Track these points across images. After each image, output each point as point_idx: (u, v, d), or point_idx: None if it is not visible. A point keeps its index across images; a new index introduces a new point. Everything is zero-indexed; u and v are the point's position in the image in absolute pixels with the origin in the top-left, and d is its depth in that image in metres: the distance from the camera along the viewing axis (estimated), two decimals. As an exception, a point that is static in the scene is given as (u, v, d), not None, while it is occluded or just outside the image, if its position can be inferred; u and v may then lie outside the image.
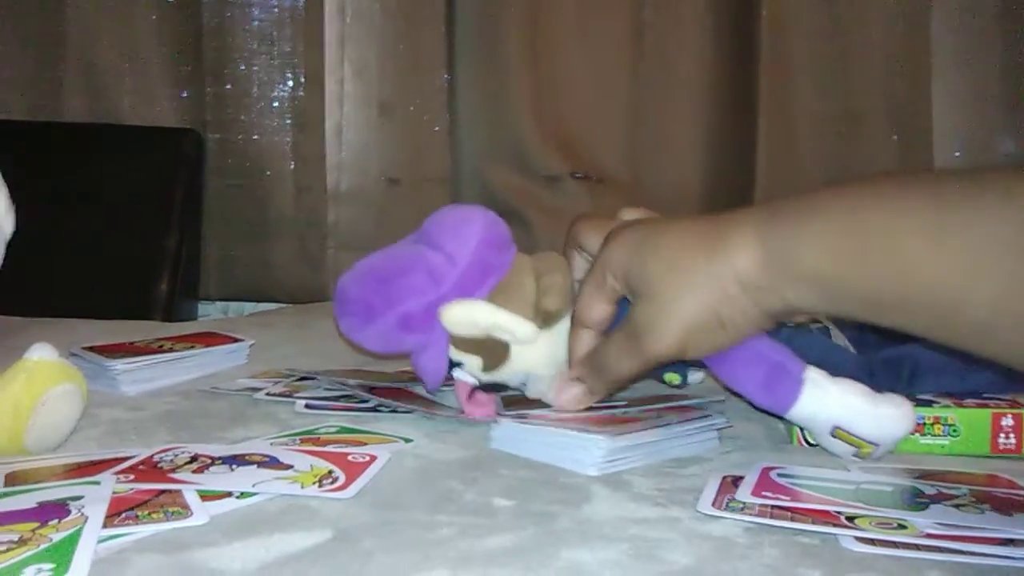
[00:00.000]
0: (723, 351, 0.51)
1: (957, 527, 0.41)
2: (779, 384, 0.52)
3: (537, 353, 0.57)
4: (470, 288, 0.57)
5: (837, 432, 0.52)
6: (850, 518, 0.42)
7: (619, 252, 0.52)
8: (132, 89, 1.45)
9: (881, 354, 0.61)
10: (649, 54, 1.48)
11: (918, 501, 0.44)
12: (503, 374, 0.58)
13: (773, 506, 0.43)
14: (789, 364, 0.52)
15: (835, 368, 0.53)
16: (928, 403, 0.55)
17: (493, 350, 0.57)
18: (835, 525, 0.41)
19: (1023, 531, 0.41)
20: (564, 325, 0.57)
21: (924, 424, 0.55)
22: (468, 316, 0.56)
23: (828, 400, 0.51)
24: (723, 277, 0.48)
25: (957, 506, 0.44)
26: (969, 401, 0.56)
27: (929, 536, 0.40)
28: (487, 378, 0.58)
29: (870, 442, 0.51)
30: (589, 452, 0.50)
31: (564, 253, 0.61)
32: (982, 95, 1.47)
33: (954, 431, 0.55)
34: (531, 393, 0.59)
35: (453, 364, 0.58)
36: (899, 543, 0.40)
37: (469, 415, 0.58)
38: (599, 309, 0.54)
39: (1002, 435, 0.54)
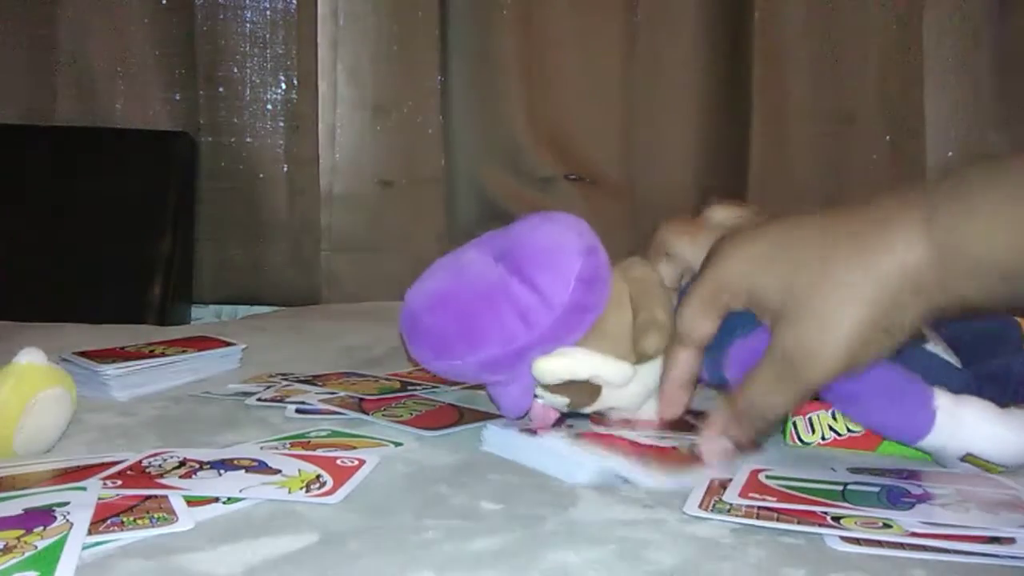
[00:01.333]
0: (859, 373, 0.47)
1: (942, 525, 0.41)
2: (910, 416, 0.49)
3: (628, 392, 0.54)
4: (565, 333, 0.51)
5: (968, 458, 0.49)
6: (836, 518, 0.42)
7: (739, 266, 0.47)
8: (125, 92, 1.45)
9: (983, 368, 0.57)
10: (642, 56, 1.48)
11: (904, 501, 0.44)
12: (596, 406, 0.54)
13: (759, 507, 0.43)
14: (920, 393, 0.49)
15: (944, 384, 0.50)
16: None
17: (584, 391, 0.53)
18: (821, 525, 0.41)
19: (1008, 528, 0.41)
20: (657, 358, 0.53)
21: None
22: (566, 370, 0.51)
23: (961, 431, 0.48)
24: (890, 282, 0.43)
25: (943, 505, 0.44)
26: None
27: (914, 535, 0.40)
28: (570, 410, 0.54)
29: (1001, 464, 0.49)
30: (581, 469, 0.49)
31: (648, 257, 0.57)
32: (975, 95, 1.47)
33: None
34: (613, 416, 0.56)
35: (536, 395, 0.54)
36: (884, 542, 0.40)
37: (541, 431, 0.54)
38: (705, 327, 0.49)
39: None
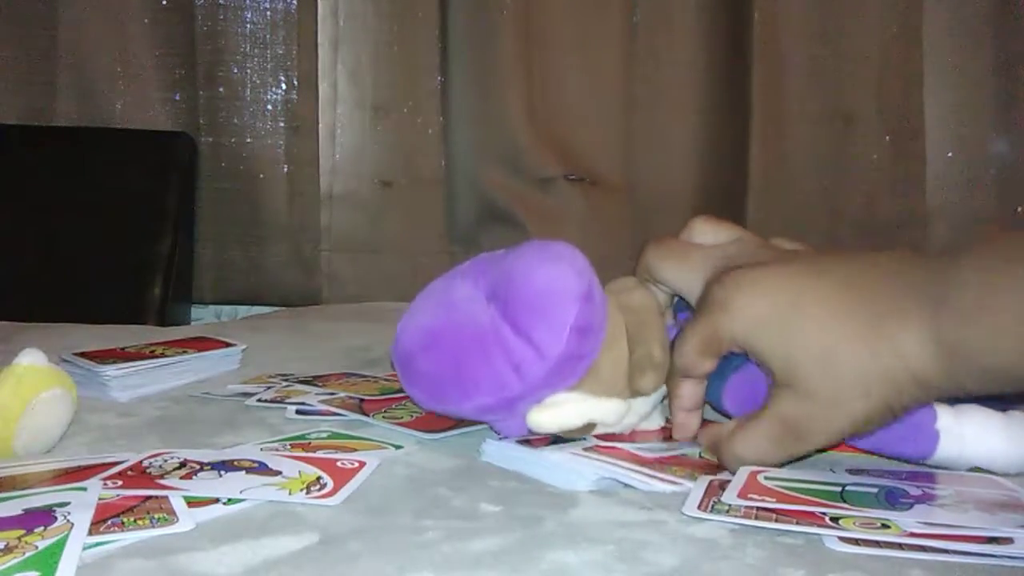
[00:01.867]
0: None
1: (941, 526, 0.41)
2: (912, 441, 0.49)
3: (622, 424, 0.54)
4: (559, 380, 0.51)
5: (975, 469, 0.50)
6: (834, 519, 0.42)
7: (740, 323, 0.47)
8: (125, 92, 1.45)
9: None
10: (642, 56, 1.48)
11: (902, 501, 0.45)
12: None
13: (758, 508, 0.43)
14: (921, 416, 0.49)
15: None
16: None
17: (578, 431, 0.53)
18: (819, 526, 0.42)
19: (1006, 529, 0.41)
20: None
21: None
22: (557, 423, 0.51)
23: (965, 449, 0.49)
24: (896, 377, 0.43)
25: (941, 506, 0.44)
26: None
27: (913, 535, 0.41)
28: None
29: (1006, 473, 0.49)
30: (582, 480, 0.49)
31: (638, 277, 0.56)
32: (974, 96, 1.47)
33: None
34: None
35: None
36: (882, 542, 0.40)
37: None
38: (704, 366, 0.50)
39: None
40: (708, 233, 0.55)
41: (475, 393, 0.51)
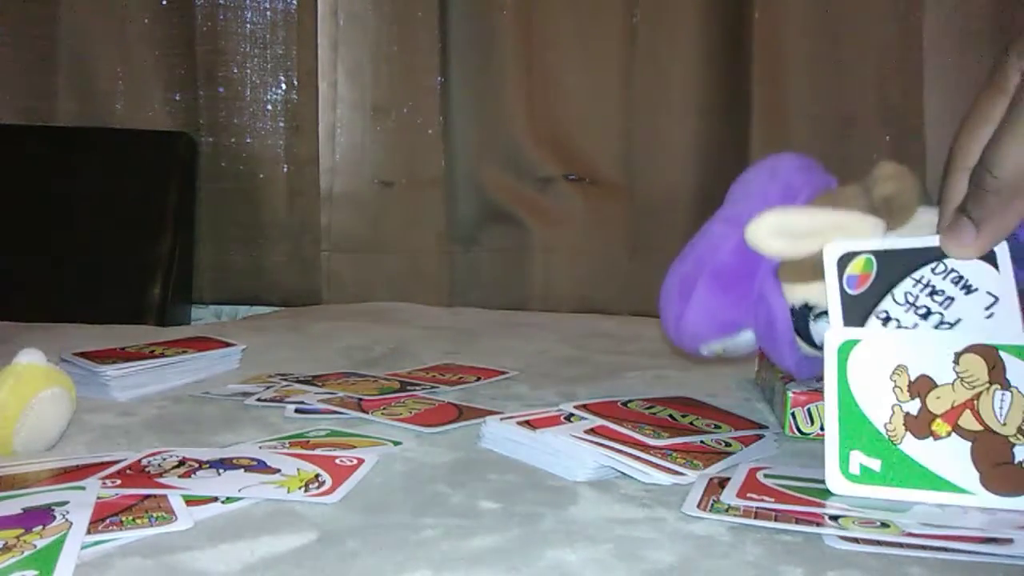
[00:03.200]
0: None
1: (939, 526, 0.41)
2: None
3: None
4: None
5: None
6: (834, 518, 0.42)
7: None
8: (125, 92, 1.45)
9: None
10: (642, 56, 1.48)
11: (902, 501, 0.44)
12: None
13: (757, 507, 0.43)
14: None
15: None
16: None
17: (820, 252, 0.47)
18: (819, 524, 0.42)
19: (1006, 530, 0.41)
20: (931, 221, 0.47)
21: None
22: (777, 222, 0.46)
23: None
24: None
25: (940, 506, 0.44)
26: None
27: (912, 535, 0.40)
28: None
29: None
30: (578, 462, 0.50)
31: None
32: (975, 95, 1.47)
33: None
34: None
35: (800, 322, 0.48)
36: (881, 541, 0.40)
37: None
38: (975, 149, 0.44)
39: None
40: None
41: (708, 261, 0.50)
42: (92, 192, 1.35)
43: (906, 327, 0.45)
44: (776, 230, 0.46)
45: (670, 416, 0.59)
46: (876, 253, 0.46)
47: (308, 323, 1.06)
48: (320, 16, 1.45)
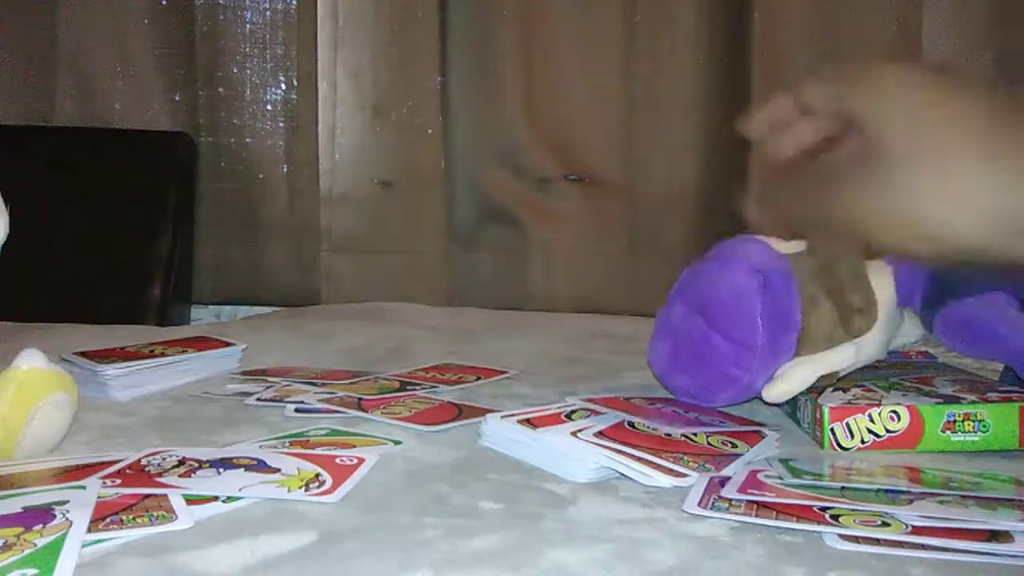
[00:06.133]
0: None
1: (941, 519, 0.41)
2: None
3: (868, 349, 0.60)
4: (775, 357, 0.59)
5: None
6: (834, 516, 0.42)
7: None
8: (125, 92, 1.45)
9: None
10: (642, 56, 1.48)
11: (902, 497, 0.44)
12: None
13: (758, 503, 0.43)
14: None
15: None
16: (956, 400, 0.55)
17: (823, 380, 0.59)
18: (819, 523, 0.41)
19: (1006, 523, 0.41)
20: (882, 314, 0.59)
21: (955, 421, 0.54)
22: (789, 390, 0.58)
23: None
24: None
25: (941, 501, 0.44)
26: (991, 395, 0.56)
27: (913, 531, 0.40)
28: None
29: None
30: (579, 463, 0.50)
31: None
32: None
33: (984, 427, 0.54)
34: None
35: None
36: (883, 540, 0.40)
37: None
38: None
39: None
40: None
41: (718, 393, 0.61)
42: (92, 192, 1.35)
43: None
44: (787, 395, 0.59)
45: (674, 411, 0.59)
46: None
47: (308, 323, 1.06)
48: (320, 16, 1.45)
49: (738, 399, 0.62)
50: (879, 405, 0.55)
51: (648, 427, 0.55)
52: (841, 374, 0.61)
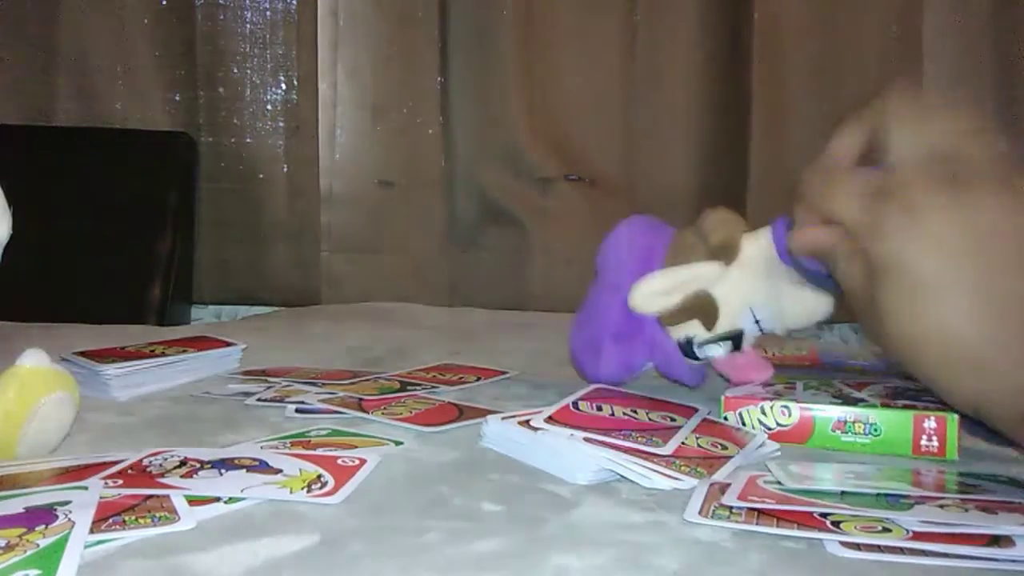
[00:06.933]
0: None
1: (942, 524, 0.41)
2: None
3: (743, 285, 0.61)
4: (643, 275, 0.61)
5: None
6: (835, 522, 0.42)
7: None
8: (125, 93, 1.45)
9: None
10: (642, 56, 1.48)
11: (903, 501, 0.44)
12: (730, 321, 0.61)
13: (759, 510, 0.43)
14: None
15: None
16: (855, 401, 0.57)
17: (699, 305, 0.61)
18: (820, 529, 0.41)
19: (1008, 527, 0.41)
20: (754, 252, 0.61)
21: (845, 422, 0.56)
22: (649, 288, 0.60)
23: None
24: None
25: (942, 506, 0.44)
26: (898, 401, 0.57)
27: (914, 536, 0.40)
28: (721, 332, 0.61)
29: None
30: (579, 465, 0.50)
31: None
32: (974, 95, 1.47)
33: (875, 430, 0.56)
34: (780, 326, 0.62)
35: (687, 350, 0.62)
36: (884, 547, 0.40)
37: (746, 381, 0.62)
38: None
39: (924, 437, 0.55)
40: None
41: (605, 326, 0.64)
42: (92, 192, 1.35)
43: None
44: (650, 295, 0.61)
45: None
46: None
47: (308, 323, 1.06)
48: (320, 16, 1.45)
49: (621, 338, 0.63)
50: (773, 400, 0.57)
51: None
52: (732, 312, 0.61)
